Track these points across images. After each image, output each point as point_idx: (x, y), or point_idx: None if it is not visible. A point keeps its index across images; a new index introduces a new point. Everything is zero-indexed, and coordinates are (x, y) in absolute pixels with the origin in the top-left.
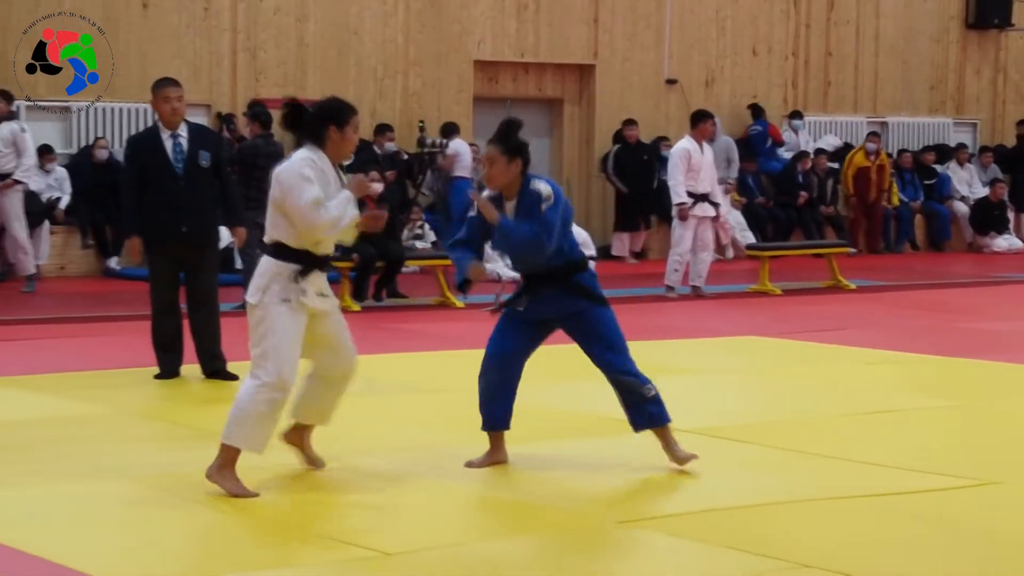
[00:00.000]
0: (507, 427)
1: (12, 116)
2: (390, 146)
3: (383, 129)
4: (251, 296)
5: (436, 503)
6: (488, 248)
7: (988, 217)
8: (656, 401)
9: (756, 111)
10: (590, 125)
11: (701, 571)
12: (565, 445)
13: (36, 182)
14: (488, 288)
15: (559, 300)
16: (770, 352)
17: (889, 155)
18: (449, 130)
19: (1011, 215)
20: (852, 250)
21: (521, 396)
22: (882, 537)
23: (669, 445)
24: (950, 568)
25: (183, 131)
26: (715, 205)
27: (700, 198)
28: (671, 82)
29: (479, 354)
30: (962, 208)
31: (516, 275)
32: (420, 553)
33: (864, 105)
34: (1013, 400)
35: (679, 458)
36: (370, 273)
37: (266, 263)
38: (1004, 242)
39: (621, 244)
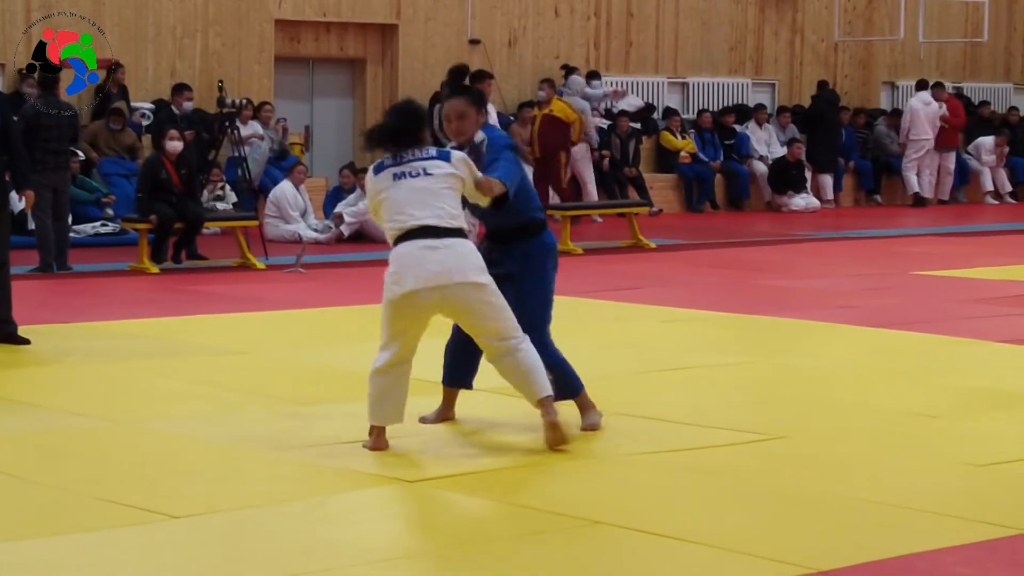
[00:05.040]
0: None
1: None
2: (188, 106)
3: (181, 89)
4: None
5: (227, 466)
6: (289, 209)
7: (786, 177)
8: None
9: (569, 72)
10: (393, 85)
11: (486, 529)
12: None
13: None
14: (289, 249)
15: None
16: (566, 310)
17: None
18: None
19: (808, 175)
20: (654, 209)
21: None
22: (672, 492)
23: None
24: (736, 520)
25: None
26: None
27: None
28: (474, 42)
29: (280, 315)
30: (761, 168)
31: (318, 236)
32: (207, 516)
33: (665, 66)
34: (802, 356)
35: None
36: (169, 234)
37: None
38: (802, 201)
39: None
